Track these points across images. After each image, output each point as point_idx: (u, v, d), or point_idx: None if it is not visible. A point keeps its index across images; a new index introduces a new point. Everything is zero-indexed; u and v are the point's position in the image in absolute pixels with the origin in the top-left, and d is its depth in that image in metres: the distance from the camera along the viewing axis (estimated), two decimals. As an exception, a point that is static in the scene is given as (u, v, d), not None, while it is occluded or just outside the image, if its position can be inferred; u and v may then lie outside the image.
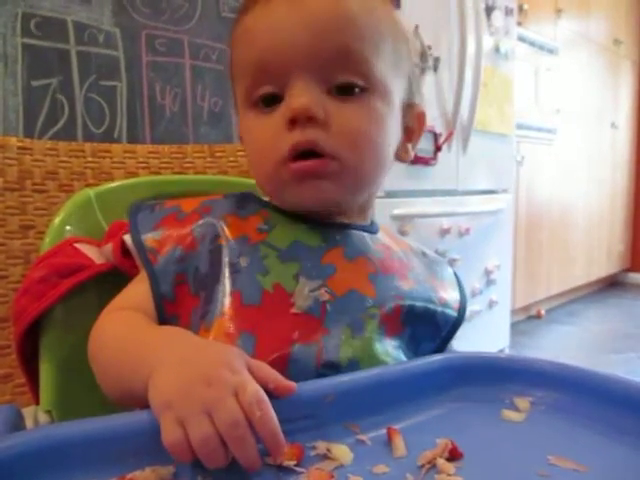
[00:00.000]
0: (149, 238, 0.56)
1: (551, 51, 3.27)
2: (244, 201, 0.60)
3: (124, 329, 0.52)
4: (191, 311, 0.54)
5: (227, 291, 0.52)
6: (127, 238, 0.59)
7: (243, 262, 0.54)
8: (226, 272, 0.53)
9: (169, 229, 0.57)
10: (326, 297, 0.53)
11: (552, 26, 3.31)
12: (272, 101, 0.54)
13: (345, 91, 0.53)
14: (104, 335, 0.53)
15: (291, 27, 0.52)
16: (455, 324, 0.62)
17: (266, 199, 0.61)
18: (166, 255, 0.55)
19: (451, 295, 0.63)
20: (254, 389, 0.38)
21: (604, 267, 4.12)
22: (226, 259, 0.54)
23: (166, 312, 0.54)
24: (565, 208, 3.56)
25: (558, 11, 3.33)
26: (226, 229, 0.56)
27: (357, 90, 0.53)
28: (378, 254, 0.59)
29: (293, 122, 0.51)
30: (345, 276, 0.55)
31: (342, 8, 0.52)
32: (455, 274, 0.66)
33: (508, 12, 2.42)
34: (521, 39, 2.86)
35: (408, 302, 0.57)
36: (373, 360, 0.52)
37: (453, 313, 0.62)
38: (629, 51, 4.25)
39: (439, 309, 0.60)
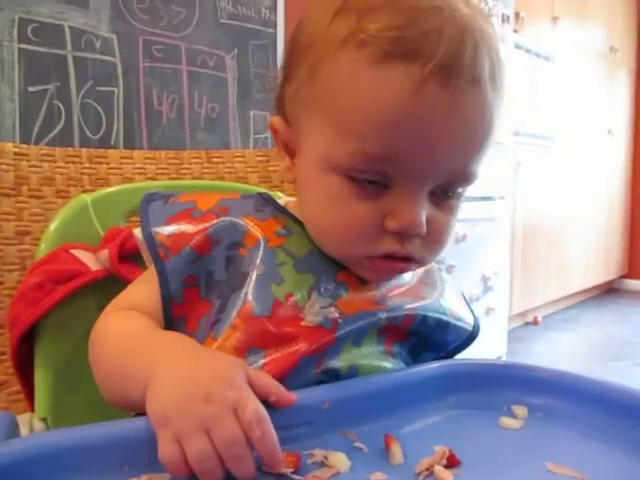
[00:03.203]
0: (160, 233, 0.53)
1: (547, 58, 3.29)
2: (262, 203, 0.57)
3: (125, 332, 0.50)
4: (201, 316, 0.53)
5: (241, 301, 0.51)
6: (137, 232, 0.56)
7: (259, 270, 0.52)
8: (247, 283, 0.51)
9: (183, 226, 0.54)
10: (336, 315, 0.51)
11: (549, 33, 3.32)
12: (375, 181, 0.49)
13: (445, 193, 0.51)
14: (105, 336, 0.52)
15: (447, 124, 0.46)
16: (467, 340, 0.60)
17: (282, 203, 0.59)
18: (178, 254, 0.52)
19: (464, 313, 0.61)
20: (254, 407, 0.37)
21: (601, 274, 4.13)
22: (247, 270, 0.52)
23: (173, 313, 0.53)
24: (562, 215, 3.57)
25: (554, 19, 3.35)
26: (247, 234, 0.53)
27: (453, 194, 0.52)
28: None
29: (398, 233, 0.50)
30: (355, 297, 0.53)
31: (486, 121, 0.49)
32: (463, 295, 0.65)
33: (505, 19, 2.43)
34: (518, 46, 2.87)
35: (420, 312, 0.56)
36: (372, 367, 0.52)
37: (467, 327, 0.60)
38: (625, 59, 4.27)
39: (452, 321, 0.58)
